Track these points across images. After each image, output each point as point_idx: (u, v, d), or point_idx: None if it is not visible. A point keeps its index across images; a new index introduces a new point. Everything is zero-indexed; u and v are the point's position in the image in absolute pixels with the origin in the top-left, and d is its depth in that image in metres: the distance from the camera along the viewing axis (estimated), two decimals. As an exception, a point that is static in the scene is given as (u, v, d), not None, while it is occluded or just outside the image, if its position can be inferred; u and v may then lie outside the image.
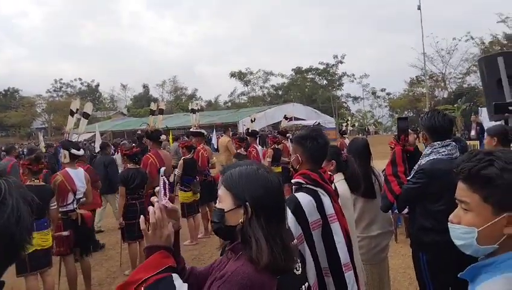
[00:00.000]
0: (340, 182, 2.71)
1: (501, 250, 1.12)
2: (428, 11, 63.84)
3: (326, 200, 2.21)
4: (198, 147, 7.28)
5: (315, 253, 2.13)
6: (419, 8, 19.03)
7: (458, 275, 1.23)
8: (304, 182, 2.22)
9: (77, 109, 5.31)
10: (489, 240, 1.13)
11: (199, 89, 70.04)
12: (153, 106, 6.64)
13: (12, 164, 7.52)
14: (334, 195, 2.31)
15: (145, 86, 67.04)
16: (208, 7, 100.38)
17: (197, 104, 8.27)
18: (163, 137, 6.27)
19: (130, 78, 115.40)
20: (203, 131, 7.78)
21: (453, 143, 2.79)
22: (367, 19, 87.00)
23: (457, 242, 1.20)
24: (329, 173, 2.38)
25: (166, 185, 1.46)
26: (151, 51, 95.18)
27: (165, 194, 1.44)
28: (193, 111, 7.87)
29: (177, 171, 6.86)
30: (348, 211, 2.51)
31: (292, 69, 60.20)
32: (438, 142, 2.76)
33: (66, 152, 4.83)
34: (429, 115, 2.83)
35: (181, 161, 6.90)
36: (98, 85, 67.43)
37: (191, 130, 7.85)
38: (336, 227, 2.21)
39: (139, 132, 14.25)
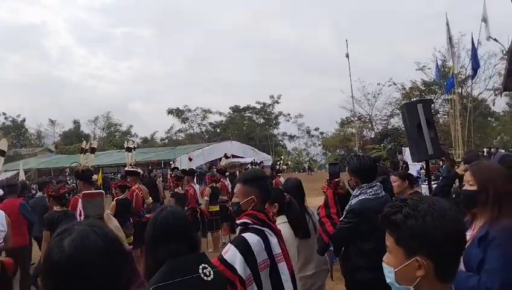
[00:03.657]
0: (282, 225, 2.74)
1: None
2: (355, 58, 69.02)
3: (273, 239, 2.24)
4: (133, 187, 7.02)
5: (264, 293, 2.12)
6: (347, 56, 20.46)
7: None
8: (250, 222, 2.22)
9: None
10: (406, 281, 1.19)
11: (134, 125, 68.20)
12: (84, 144, 6.37)
13: None
14: (280, 234, 2.34)
15: (75, 122, 64.01)
16: (141, 44, 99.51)
17: (132, 142, 8.07)
18: (94, 177, 5.99)
19: (59, 114, 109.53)
20: (138, 170, 7.56)
21: (379, 184, 2.99)
22: (300, 63, 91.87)
23: (386, 280, 1.27)
24: (271, 214, 2.42)
25: None
26: (82, 87, 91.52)
27: None
28: (128, 150, 7.65)
29: (105, 213, 6.50)
30: (291, 254, 2.53)
31: (230, 108, 61.30)
32: (366, 184, 2.94)
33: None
34: (356, 158, 3.02)
35: (113, 202, 6.58)
36: (23, 120, 63.20)
37: (126, 168, 7.60)
38: (282, 266, 2.24)
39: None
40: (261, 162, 25.98)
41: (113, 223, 1.50)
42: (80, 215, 5.32)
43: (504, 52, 18.89)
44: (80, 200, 5.54)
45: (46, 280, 1.08)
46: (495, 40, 11.79)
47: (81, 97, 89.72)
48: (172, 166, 20.70)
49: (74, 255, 1.05)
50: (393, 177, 4.72)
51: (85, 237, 1.08)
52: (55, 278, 1.06)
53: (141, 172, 8.26)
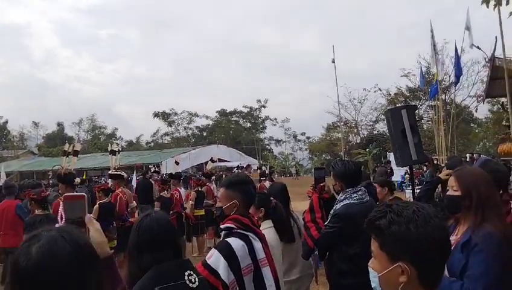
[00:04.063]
0: (268, 230, 2.73)
1: None
2: (342, 63, 69.75)
3: (257, 244, 2.24)
4: (117, 191, 6.92)
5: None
6: (333, 62, 20.69)
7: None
8: (234, 227, 2.21)
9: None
10: (389, 286, 1.20)
11: (119, 128, 67.48)
12: (67, 147, 6.25)
13: None
14: (264, 239, 2.33)
15: (59, 124, 63.08)
16: (127, 46, 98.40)
17: (117, 144, 7.96)
18: (77, 180, 5.88)
19: (43, 116, 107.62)
20: (122, 173, 7.45)
21: (363, 188, 3.01)
22: (287, 68, 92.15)
23: (371, 284, 1.26)
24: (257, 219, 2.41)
25: None
26: (66, 89, 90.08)
27: None
28: (113, 153, 7.54)
29: (87, 217, 6.39)
30: (275, 259, 2.52)
31: (217, 111, 61.16)
32: (350, 189, 2.94)
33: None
34: (341, 163, 3.04)
35: (96, 206, 6.47)
36: (6, 122, 61.89)
37: (110, 172, 7.49)
38: (266, 271, 2.24)
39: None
40: (248, 165, 25.91)
41: (95, 227, 1.45)
42: (62, 218, 5.22)
43: (486, 59, 19.33)
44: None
45: (12, 288, 1.04)
46: (478, 47, 12.06)
47: (66, 99, 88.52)
48: (152, 170, 20.49)
49: (41, 262, 1.02)
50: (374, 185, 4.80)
51: (53, 243, 1.05)
52: (22, 285, 1.03)
53: (125, 175, 8.16)
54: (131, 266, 1.83)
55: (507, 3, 5.07)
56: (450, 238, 2.02)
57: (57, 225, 1.27)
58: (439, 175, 3.01)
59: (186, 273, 1.79)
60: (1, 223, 5.90)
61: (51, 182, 12.06)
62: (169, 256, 1.80)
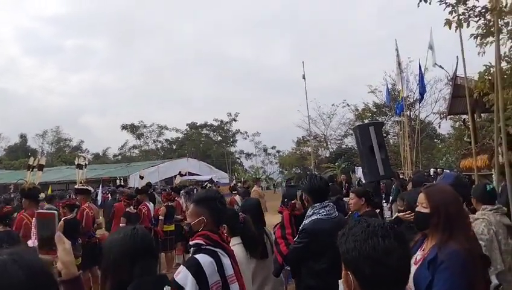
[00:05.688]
0: (236, 246, 2.73)
1: None
2: (312, 78, 71.19)
3: (226, 260, 2.24)
4: (83, 206, 6.71)
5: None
6: (303, 78, 21.08)
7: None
8: (203, 243, 2.21)
9: None
10: None
11: (85, 140, 65.65)
12: (32, 161, 6.05)
13: None
14: (233, 255, 2.34)
15: (22, 136, 60.77)
16: (94, 56, 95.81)
17: (84, 158, 7.76)
18: (42, 195, 5.68)
19: (5, 127, 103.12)
20: (89, 188, 7.26)
21: (331, 204, 3.05)
22: (258, 82, 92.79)
23: None
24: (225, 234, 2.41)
25: None
26: (30, 99, 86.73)
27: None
28: (79, 166, 7.34)
29: (57, 235, 6.16)
30: (244, 276, 2.52)
31: (187, 124, 60.70)
32: (318, 204, 2.99)
33: None
34: (308, 178, 3.08)
35: (61, 222, 6.24)
36: (-37, 134, 59.09)
37: (76, 186, 7.27)
38: (234, 288, 2.24)
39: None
40: (216, 181, 25.63)
41: (63, 246, 1.40)
42: (34, 235, 5.02)
43: (449, 78, 20.23)
44: (26, 221, 5.24)
45: None
46: (440, 66, 12.61)
47: (29, 110, 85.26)
48: (117, 183, 20.10)
49: None
50: (351, 195, 4.78)
51: (2, 269, 0.97)
52: None
53: (92, 190, 7.94)
54: (109, 283, 1.79)
55: (467, 25, 5.37)
56: (418, 253, 2.09)
57: (29, 242, 1.23)
58: (399, 216, 3.08)
59: (165, 289, 1.79)
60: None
61: (11, 196, 11.55)
62: (149, 271, 1.79)
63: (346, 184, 12.61)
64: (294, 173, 45.81)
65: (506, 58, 5.62)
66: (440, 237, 1.98)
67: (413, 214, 2.38)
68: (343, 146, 42.10)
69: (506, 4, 4.66)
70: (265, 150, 63.90)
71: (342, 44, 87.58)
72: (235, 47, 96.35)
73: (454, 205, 2.04)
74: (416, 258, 2.07)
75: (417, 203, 2.17)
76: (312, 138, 38.78)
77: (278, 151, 62.98)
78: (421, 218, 2.11)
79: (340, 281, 1.36)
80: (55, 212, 1.54)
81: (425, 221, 2.08)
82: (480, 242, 3.00)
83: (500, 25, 4.92)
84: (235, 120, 58.79)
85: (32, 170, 5.93)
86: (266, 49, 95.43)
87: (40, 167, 6.21)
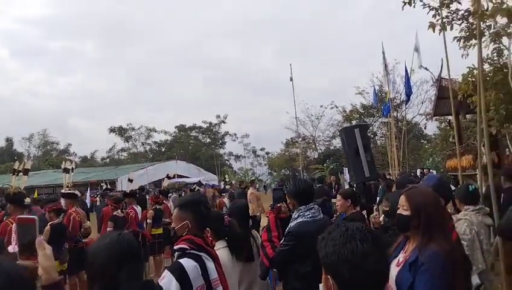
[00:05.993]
0: (221, 250, 2.73)
1: None
2: (300, 80, 71.54)
3: (210, 264, 2.26)
4: (70, 210, 6.65)
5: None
6: (291, 80, 21.18)
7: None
8: (187, 247, 2.22)
9: None
10: None
11: (73, 143, 64.88)
12: (17, 165, 5.97)
13: None
14: (217, 259, 2.35)
15: (8, 140, 59.90)
16: (82, 58, 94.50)
17: (71, 162, 7.68)
18: (27, 200, 5.61)
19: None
20: (76, 192, 7.18)
21: (316, 206, 3.07)
22: (246, 84, 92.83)
23: None
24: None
25: None
26: (16, 102, 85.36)
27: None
28: (66, 170, 7.26)
29: (37, 240, 6.08)
30: (230, 279, 2.53)
31: (176, 127, 60.46)
32: (303, 206, 3.00)
33: None
34: (293, 181, 3.09)
35: (48, 227, 6.17)
36: None
37: (63, 191, 7.19)
38: None
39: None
40: (205, 184, 25.53)
41: (43, 251, 1.39)
42: (15, 241, 4.95)
43: (434, 80, 20.50)
44: (11, 226, 5.16)
45: None
46: (426, 68, 12.81)
47: (15, 113, 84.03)
48: (104, 187, 19.96)
49: None
50: (337, 196, 4.78)
51: None
52: None
53: (79, 194, 7.86)
54: (96, 288, 1.78)
55: (451, 28, 5.48)
56: (400, 255, 2.13)
57: (10, 248, 1.23)
58: (370, 217, 3.12)
59: None
60: None
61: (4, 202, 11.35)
62: (136, 276, 1.79)
63: (336, 185, 12.68)
64: (283, 175, 45.93)
65: (489, 61, 5.73)
66: (420, 239, 2.01)
67: (381, 218, 2.42)
68: (332, 147, 42.37)
69: (488, 8, 4.75)
70: (254, 152, 63.99)
71: (330, 46, 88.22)
72: (224, 49, 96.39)
73: (435, 207, 2.07)
74: (398, 260, 2.10)
75: (398, 206, 2.20)
76: (301, 139, 38.97)
77: (267, 153, 63.13)
78: (402, 220, 2.13)
79: (320, 285, 1.37)
80: (36, 217, 1.53)
81: (406, 223, 2.10)
82: (463, 242, 3.06)
83: (482, 28, 5.01)
84: (224, 122, 58.94)
85: (17, 175, 5.85)
86: (255, 51, 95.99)
87: (26, 172, 6.12)
